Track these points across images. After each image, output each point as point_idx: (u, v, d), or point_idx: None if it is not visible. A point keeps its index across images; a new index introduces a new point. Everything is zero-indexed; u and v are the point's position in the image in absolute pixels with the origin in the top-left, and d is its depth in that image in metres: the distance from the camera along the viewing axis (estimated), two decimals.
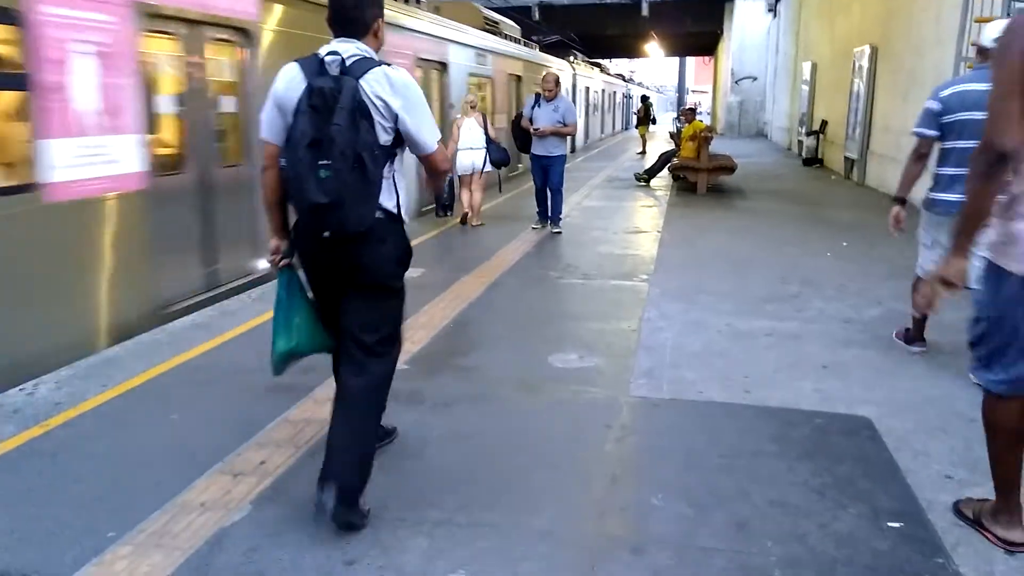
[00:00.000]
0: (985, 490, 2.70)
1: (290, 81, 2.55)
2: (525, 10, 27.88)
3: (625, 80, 44.55)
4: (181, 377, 4.08)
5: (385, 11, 2.73)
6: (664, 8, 30.37)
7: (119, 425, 3.48)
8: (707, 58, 48.73)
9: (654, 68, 78.42)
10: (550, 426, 3.48)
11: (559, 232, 8.40)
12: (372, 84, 2.48)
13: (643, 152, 21.23)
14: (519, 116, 8.79)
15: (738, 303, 5.49)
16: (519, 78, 15.67)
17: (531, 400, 3.80)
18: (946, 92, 4.02)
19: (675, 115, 36.93)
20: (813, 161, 17.18)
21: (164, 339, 4.68)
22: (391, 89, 2.51)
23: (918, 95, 9.28)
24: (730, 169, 12.33)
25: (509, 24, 17.49)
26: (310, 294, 2.80)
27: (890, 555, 2.48)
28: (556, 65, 19.33)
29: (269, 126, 2.64)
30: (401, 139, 2.60)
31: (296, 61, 2.59)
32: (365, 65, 2.51)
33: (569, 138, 9.66)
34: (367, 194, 2.49)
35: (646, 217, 9.82)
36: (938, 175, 4.11)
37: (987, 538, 2.59)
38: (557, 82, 8.64)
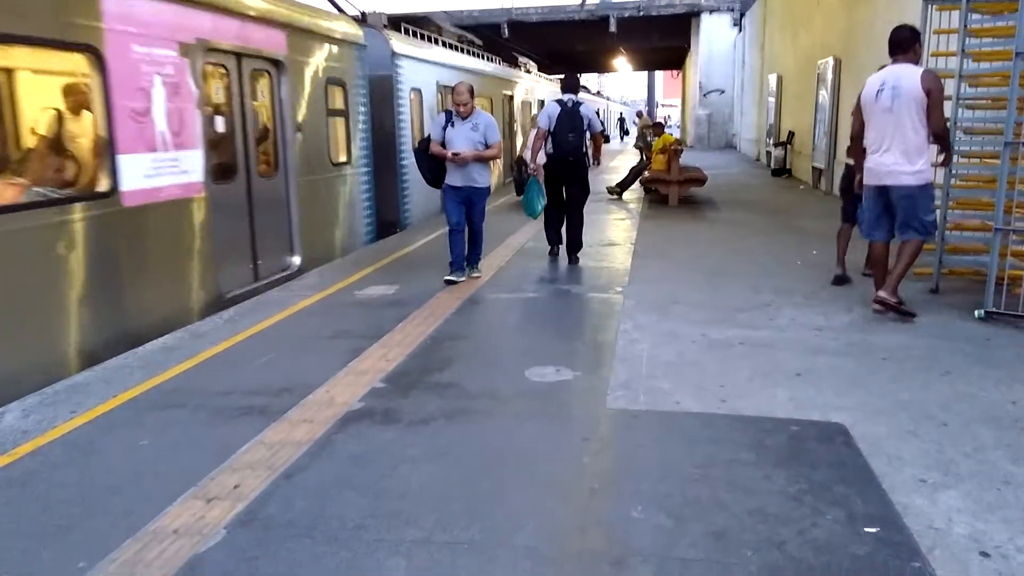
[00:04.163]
0: (960, 492, 2.90)
1: (553, 108, 7.46)
2: (495, 28, 28.06)
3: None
4: (152, 402, 4.01)
5: None
6: (632, 24, 30.69)
7: (89, 452, 3.41)
8: (675, 72, 49.35)
9: (625, 82, 79.31)
10: (528, 440, 3.47)
11: (478, 276, 6.90)
12: (583, 109, 7.48)
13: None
14: (424, 141, 6.81)
15: (711, 313, 5.54)
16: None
17: (509, 415, 3.78)
18: None
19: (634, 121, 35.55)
20: (782, 171, 17.44)
21: (134, 363, 4.60)
22: (586, 111, 7.52)
23: None
24: (700, 181, 12.47)
25: None
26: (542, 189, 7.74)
27: (868, 560, 2.49)
28: (339, 31, 8.93)
29: (547, 123, 7.41)
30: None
31: (557, 102, 7.53)
32: (579, 103, 7.52)
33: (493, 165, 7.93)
34: (580, 146, 7.51)
35: (619, 230, 9.88)
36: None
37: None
38: (471, 91, 6.67)
